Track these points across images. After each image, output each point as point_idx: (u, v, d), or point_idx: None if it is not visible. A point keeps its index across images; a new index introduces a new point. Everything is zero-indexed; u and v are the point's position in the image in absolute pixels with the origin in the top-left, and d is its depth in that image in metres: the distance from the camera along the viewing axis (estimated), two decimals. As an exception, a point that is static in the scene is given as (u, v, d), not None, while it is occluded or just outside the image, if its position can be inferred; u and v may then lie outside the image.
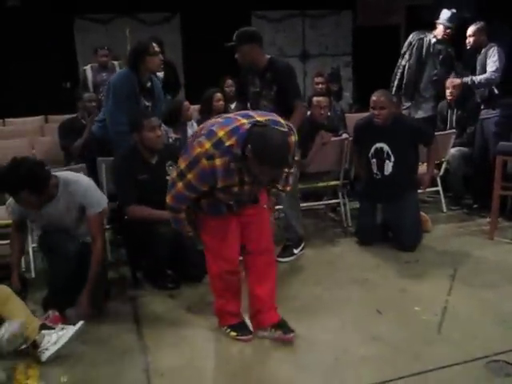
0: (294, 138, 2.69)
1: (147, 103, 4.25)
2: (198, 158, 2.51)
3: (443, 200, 5.33)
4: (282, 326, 3.02)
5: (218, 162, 2.50)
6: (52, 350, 2.86)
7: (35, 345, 2.88)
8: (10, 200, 3.39)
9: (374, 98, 4.27)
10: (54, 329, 2.97)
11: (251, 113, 2.69)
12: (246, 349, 3.00)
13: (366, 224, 4.52)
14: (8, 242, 3.61)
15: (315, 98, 5.07)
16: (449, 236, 4.69)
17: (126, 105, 4.05)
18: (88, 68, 6.27)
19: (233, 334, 3.05)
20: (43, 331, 2.93)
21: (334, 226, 5.14)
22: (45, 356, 2.86)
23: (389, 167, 4.32)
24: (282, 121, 2.66)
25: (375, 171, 4.39)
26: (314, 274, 4.00)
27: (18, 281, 3.37)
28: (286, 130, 2.61)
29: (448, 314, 3.29)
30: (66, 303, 3.35)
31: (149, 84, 4.26)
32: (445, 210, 5.32)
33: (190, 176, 2.56)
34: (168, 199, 2.74)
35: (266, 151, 2.41)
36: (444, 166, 5.25)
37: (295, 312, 3.32)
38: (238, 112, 2.81)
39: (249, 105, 4.30)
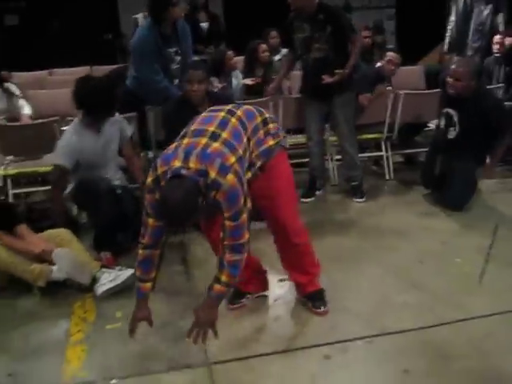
0: (215, 194, 2.33)
1: (172, 49, 4.30)
2: (145, 191, 2.47)
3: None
4: (313, 297, 2.94)
5: (158, 195, 2.39)
6: (108, 286, 3.06)
7: (94, 280, 3.08)
8: (64, 144, 3.53)
9: (453, 66, 4.15)
10: (113, 269, 3.17)
11: (196, 151, 2.34)
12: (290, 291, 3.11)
13: (425, 171, 4.59)
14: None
15: (389, 53, 5.13)
16: (492, 191, 4.66)
17: (154, 61, 4.15)
18: (140, 16, 6.19)
19: None
20: (103, 269, 3.12)
21: (376, 178, 5.18)
22: (100, 290, 3.07)
23: (452, 134, 4.27)
24: (214, 174, 2.30)
25: (441, 127, 4.36)
26: (355, 225, 4.09)
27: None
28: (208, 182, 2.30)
29: (489, 266, 3.33)
30: (112, 244, 3.55)
31: (169, 31, 4.26)
32: (488, 166, 5.28)
33: (149, 210, 2.46)
34: (145, 241, 2.54)
35: (161, 209, 2.32)
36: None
37: (337, 260, 3.43)
38: (188, 142, 2.42)
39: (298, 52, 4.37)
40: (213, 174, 2.31)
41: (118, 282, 3.08)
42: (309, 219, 4.10)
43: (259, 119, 2.63)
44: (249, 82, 5.16)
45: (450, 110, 4.25)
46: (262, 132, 2.61)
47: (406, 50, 7.62)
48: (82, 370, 2.54)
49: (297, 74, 4.93)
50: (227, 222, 2.38)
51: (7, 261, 3.05)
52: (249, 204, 2.42)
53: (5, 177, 4.31)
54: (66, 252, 3.10)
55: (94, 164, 3.61)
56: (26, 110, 4.80)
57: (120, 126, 3.80)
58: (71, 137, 3.55)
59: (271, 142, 2.62)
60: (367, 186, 4.76)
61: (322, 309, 2.90)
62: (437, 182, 4.48)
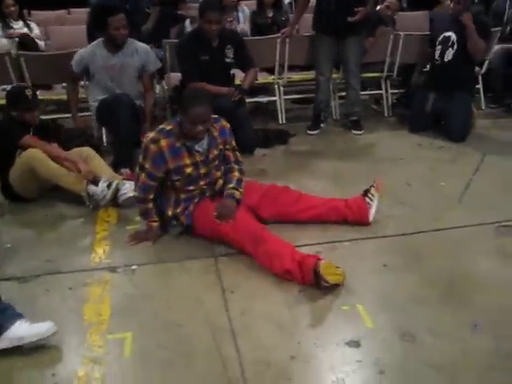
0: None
1: (127, 7, 4.77)
2: (147, 146, 2.87)
3: (483, 97, 5.56)
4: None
5: (163, 142, 2.84)
6: (129, 195, 3.41)
7: (117, 190, 3.44)
8: (80, 52, 4.06)
9: None
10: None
11: None
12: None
13: (417, 111, 4.89)
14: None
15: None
16: (484, 129, 4.96)
17: None
18: None
19: None
20: (124, 181, 3.50)
21: (376, 115, 5.51)
22: (122, 198, 3.44)
23: (449, 55, 4.65)
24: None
25: (437, 57, 4.73)
26: (353, 153, 4.46)
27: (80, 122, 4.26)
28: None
29: (470, 189, 3.71)
30: (131, 160, 3.90)
31: None
32: (483, 108, 5.57)
33: (147, 165, 2.89)
34: (136, 191, 3.08)
35: (184, 98, 2.84)
36: (486, 64, 5.37)
37: (335, 180, 3.81)
38: None
39: None
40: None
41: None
42: (313, 148, 4.52)
43: None
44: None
45: (448, 33, 4.63)
46: None
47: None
48: (107, 258, 2.96)
49: (305, 15, 5.16)
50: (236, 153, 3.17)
51: (55, 169, 3.41)
52: None
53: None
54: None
55: (111, 81, 4.04)
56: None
57: (146, 57, 4.13)
58: (85, 49, 4.10)
59: None
60: (367, 122, 5.08)
61: (376, 182, 3.25)
62: (429, 119, 4.82)
